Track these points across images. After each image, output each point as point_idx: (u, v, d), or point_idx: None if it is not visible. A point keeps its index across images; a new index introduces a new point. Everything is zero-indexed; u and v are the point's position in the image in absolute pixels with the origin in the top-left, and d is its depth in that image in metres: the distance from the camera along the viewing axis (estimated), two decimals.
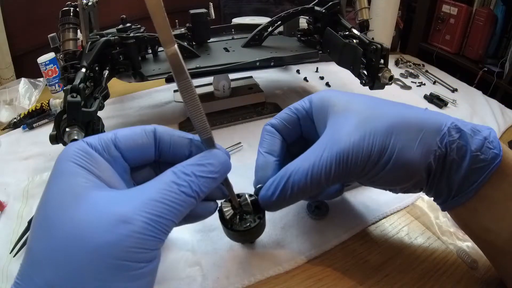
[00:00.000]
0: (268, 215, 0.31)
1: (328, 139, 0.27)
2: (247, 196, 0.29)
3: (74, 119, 0.35)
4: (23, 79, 0.70)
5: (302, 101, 0.32)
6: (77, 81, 0.36)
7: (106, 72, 0.44)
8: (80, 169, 0.21)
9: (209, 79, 0.59)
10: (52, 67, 0.66)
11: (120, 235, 0.18)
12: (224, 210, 0.29)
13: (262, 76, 0.72)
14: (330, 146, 0.26)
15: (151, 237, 0.19)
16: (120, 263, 0.18)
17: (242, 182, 0.31)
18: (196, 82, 0.64)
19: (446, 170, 0.26)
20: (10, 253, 0.34)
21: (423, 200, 0.39)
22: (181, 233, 0.35)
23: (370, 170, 0.26)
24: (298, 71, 0.76)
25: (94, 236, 0.18)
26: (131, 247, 0.18)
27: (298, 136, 0.33)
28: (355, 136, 0.26)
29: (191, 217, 0.26)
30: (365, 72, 0.49)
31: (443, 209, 0.29)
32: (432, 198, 0.30)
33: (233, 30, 0.66)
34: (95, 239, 0.18)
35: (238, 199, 0.29)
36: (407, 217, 0.38)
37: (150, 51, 0.55)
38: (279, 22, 0.58)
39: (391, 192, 0.31)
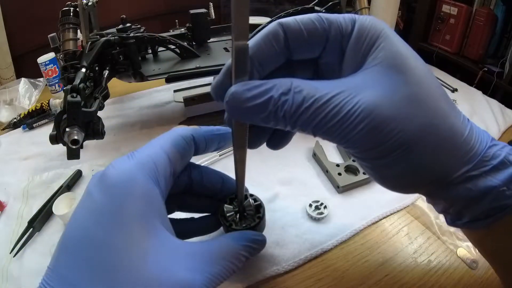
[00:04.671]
0: (267, 215, 0.31)
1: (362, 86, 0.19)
2: (251, 200, 0.30)
3: (74, 119, 0.35)
4: (23, 79, 0.70)
5: (339, 16, 0.22)
6: (77, 81, 0.36)
7: (106, 72, 0.44)
8: (146, 212, 0.20)
9: (209, 79, 0.59)
10: (52, 67, 0.66)
11: None
12: (226, 209, 0.29)
13: None
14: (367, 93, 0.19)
15: None
16: None
17: None
18: (196, 82, 0.64)
19: (457, 204, 0.22)
20: (10, 253, 0.34)
21: (423, 200, 0.39)
22: None
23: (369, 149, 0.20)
24: None
25: None
26: None
27: (287, 59, 0.22)
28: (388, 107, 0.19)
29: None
30: None
31: (448, 224, 0.24)
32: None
33: None
34: None
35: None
36: (407, 217, 0.38)
37: (150, 51, 0.55)
38: None
39: (391, 192, 0.30)
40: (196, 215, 0.31)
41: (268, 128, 0.23)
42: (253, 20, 0.84)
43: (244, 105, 0.19)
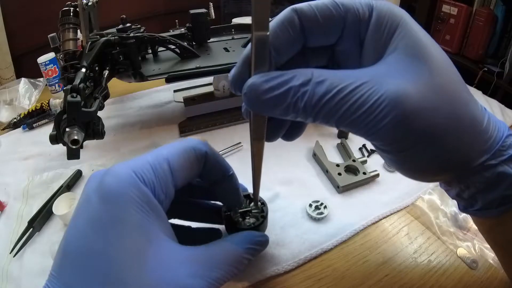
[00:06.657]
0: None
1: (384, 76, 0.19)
2: (259, 203, 0.30)
3: (74, 119, 0.35)
4: (23, 79, 0.70)
5: (355, 2, 0.21)
6: (77, 81, 0.36)
7: (106, 72, 0.44)
8: (144, 220, 0.20)
9: (209, 79, 0.59)
10: (52, 67, 0.66)
11: None
12: (231, 209, 0.29)
13: None
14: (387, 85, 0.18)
15: None
16: None
17: (242, 182, 0.31)
18: (196, 82, 0.64)
19: (472, 188, 0.22)
20: (10, 253, 0.34)
21: (423, 200, 0.39)
22: None
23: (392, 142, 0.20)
24: None
25: None
26: None
27: (302, 47, 0.22)
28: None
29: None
30: None
31: (460, 210, 0.25)
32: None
33: (233, 30, 0.66)
34: None
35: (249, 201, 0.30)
36: (407, 217, 0.38)
37: (150, 51, 0.55)
38: None
39: (391, 192, 0.31)
40: (194, 224, 0.31)
41: (286, 120, 0.23)
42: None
43: (263, 97, 0.18)
